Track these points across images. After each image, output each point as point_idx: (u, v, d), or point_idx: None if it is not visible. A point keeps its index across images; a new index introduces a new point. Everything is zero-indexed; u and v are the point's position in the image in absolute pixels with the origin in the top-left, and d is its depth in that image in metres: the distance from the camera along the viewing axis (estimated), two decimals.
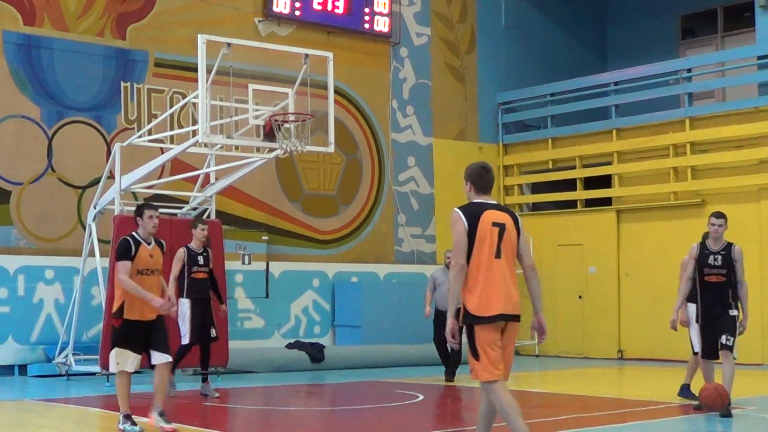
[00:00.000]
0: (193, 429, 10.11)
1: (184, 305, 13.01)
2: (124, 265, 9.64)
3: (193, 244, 13.29)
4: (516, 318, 7.25)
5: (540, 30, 24.41)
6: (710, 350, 11.09)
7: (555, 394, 14.46)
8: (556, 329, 21.99)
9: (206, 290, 13.22)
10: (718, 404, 10.34)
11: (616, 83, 21.98)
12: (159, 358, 9.71)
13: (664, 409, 12.02)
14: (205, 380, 13.40)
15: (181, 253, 13.17)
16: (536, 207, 23.02)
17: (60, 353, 15.70)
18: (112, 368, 9.81)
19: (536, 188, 23.15)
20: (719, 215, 11.26)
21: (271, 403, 13.52)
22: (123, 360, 9.67)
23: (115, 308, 9.72)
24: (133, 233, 9.93)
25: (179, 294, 12.97)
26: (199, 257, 13.20)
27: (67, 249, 17.01)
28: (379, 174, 21.32)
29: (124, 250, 9.71)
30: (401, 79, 21.88)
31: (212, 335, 13.27)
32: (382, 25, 21.23)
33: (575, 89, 22.57)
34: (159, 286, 10.02)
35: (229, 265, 17.13)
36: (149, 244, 9.91)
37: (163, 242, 10.33)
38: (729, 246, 11.21)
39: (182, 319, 13.05)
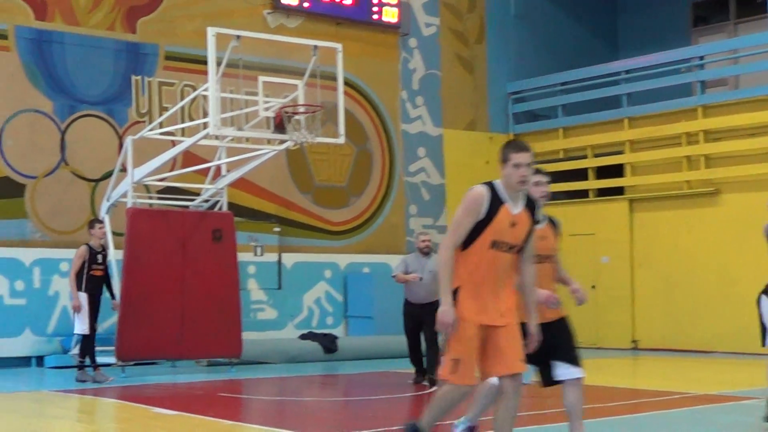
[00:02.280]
0: (207, 420, 10.15)
1: (83, 299, 13.86)
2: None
3: (93, 243, 14.10)
4: None
5: (550, 19, 24.36)
6: None
7: None
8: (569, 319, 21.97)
9: (101, 287, 14.12)
10: None
11: (627, 72, 21.91)
12: (565, 371, 7.45)
13: (679, 400, 12.01)
14: (81, 368, 14.08)
15: (83, 250, 14.02)
16: None
17: (76, 345, 15.76)
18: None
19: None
20: None
21: (284, 393, 13.56)
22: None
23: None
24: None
25: (78, 288, 13.91)
26: (98, 256, 14.09)
27: (81, 241, 16.96)
28: (390, 165, 21.32)
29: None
30: (411, 69, 21.86)
31: (95, 328, 14.13)
32: (390, 15, 21.22)
33: (586, 78, 22.50)
34: (551, 276, 7.65)
35: (242, 256, 17.15)
36: (538, 222, 7.18)
37: (557, 222, 7.81)
38: None
39: (80, 312, 13.87)
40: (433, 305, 13.28)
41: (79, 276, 13.90)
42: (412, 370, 13.84)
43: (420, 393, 12.74)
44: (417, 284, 13.44)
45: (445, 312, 6.49)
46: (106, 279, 14.22)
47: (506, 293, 6.67)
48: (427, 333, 13.43)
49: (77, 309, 13.79)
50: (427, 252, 13.67)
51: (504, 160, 6.63)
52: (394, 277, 13.74)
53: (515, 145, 6.70)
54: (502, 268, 6.62)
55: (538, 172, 7.57)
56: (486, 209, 6.53)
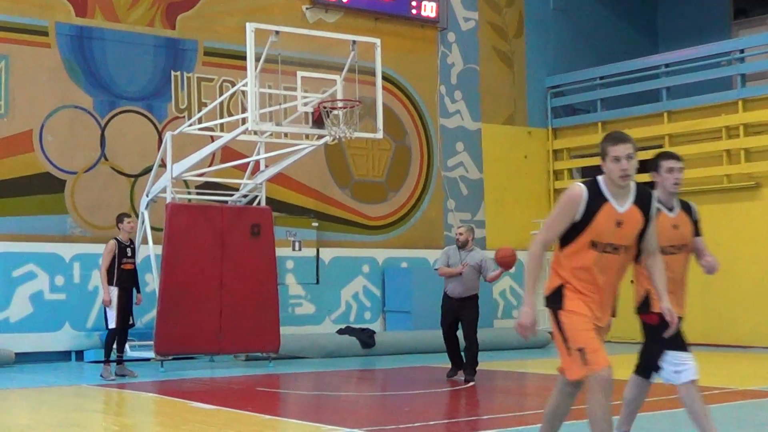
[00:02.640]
0: (245, 414, 10.20)
1: (113, 293, 13.94)
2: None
3: (122, 237, 14.19)
4: None
5: (589, 12, 24.23)
6: None
7: None
8: None
9: (131, 280, 14.19)
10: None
11: (667, 65, 21.75)
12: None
13: (718, 395, 11.92)
14: (121, 362, 14.18)
15: (112, 245, 14.09)
16: None
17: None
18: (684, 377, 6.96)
19: (586, 173, 22.98)
20: None
21: (322, 388, 13.60)
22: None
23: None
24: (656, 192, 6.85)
25: (109, 282, 13.99)
26: (127, 249, 14.17)
27: None
28: (428, 160, 21.30)
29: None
30: (449, 64, 21.83)
31: (131, 322, 14.25)
32: (429, 10, 21.19)
33: (625, 72, 22.35)
34: (686, 268, 7.37)
35: (280, 251, 17.23)
36: (671, 210, 7.24)
37: (692, 206, 7.62)
38: None
39: (110, 306, 13.95)
40: (471, 300, 13.32)
41: (110, 271, 13.98)
42: (448, 365, 13.81)
43: (456, 388, 12.74)
44: (456, 278, 13.35)
45: (525, 314, 6.06)
46: (135, 272, 14.30)
47: (608, 296, 6.19)
48: (466, 329, 13.36)
49: (107, 303, 13.88)
50: (462, 246, 13.55)
51: (603, 154, 6.15)
52: (436, 270, 13.70)
53: (612, 137, 6.20)
54: (606, 270, 6.11)
55: (671, 156, 7.10)
56: (583, 210, 6.05)
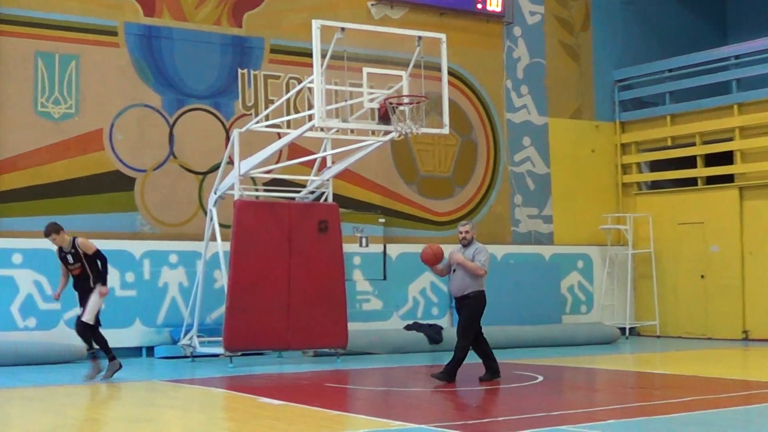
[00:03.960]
0: (313, 409, 10.24)
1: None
2: None
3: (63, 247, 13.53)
4: None
5: (656, 4, 23.96)
6: None
7: (678, 375, 14.23)
8: (678, 309, 21.64)
9: (82, 282, 13.41)
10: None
11: (736, 57, 21.45)
12: None
13: None
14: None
15: (56, 252, 13.55)
16: (655, 185, 22.64)
17: (185, 335, 16.07)
18: None
19: (655, 166, 22.78)
20: None
21: (390, 384, 13.60)
22: None
23: None
24: None
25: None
26: (68, 256, 13.42)
27: (189, 234, 17.37)
28: (495, 154, 21.22)
29: None
30: (515, 58, 21.72)
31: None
32: (494, 4, 21.09)
33: (694, 64, 22.08)
34: None
35: (347, 247, 17.27)
36: None
37: None
38: None
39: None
40: (469, 298, 12.96)
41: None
42: (516, 360, 13.74)
43: (524, 384, 12.67)
44: (452, 277, 13.10)
45: None
46: (89, 273, 13.39)
47: None
48: (457, 328, 13.20)
49: (55, 297, 13.68)
50: (468, 244, 13.24)
51: None
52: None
53: None
54: None
55: None
56: None
